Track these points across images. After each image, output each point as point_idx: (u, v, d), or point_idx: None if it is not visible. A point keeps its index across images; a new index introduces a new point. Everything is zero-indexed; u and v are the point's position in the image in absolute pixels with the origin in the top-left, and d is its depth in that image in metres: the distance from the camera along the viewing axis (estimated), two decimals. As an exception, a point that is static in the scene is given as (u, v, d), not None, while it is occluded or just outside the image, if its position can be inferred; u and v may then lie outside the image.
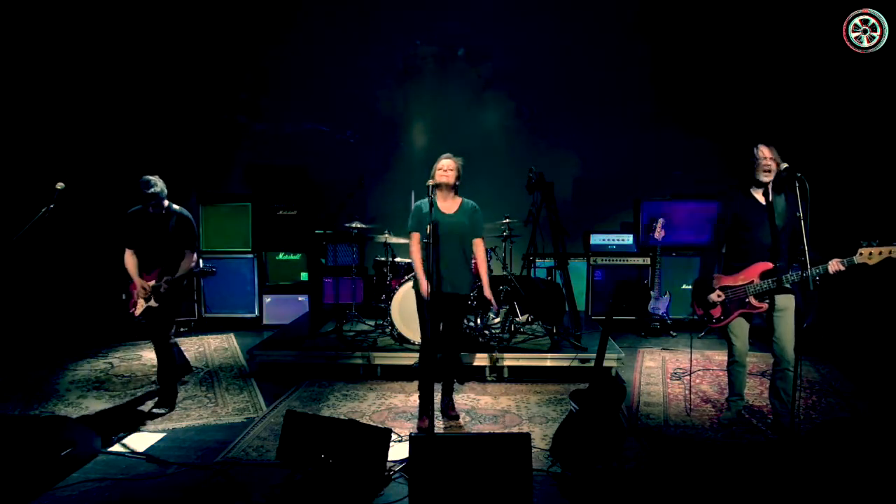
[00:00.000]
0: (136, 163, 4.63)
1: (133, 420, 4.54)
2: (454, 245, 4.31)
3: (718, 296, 4.14)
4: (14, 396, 5.04)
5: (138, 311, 4.66)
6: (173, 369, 4.82)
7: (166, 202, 4.67)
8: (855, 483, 3.26)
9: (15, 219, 4.59)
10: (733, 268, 4.17)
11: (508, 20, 7.78)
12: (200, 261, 6.79)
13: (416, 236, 4.40)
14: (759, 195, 4.10)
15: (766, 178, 3.99)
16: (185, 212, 4.75)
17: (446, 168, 4.31)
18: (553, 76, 7.85)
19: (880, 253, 3.66)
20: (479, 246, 4.53)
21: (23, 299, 6.65)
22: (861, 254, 3.70)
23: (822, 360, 5.94)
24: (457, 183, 4.37)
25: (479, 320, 6.04)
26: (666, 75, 7.66)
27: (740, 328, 4.23)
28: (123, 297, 4.81)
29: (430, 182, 4.21)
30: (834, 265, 3.76)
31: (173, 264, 4.66)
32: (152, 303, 4.62)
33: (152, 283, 4.62)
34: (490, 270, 6.06)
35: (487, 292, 4.57)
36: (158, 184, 4.54)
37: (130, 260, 4.69)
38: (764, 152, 4.00)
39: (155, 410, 4.65)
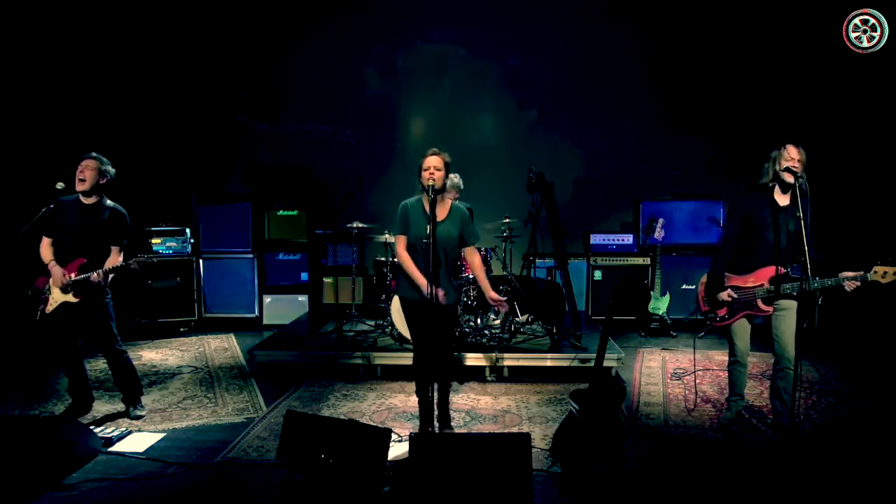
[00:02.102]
0: (136, 163, 4.58)
1: (132, 419, 4.54)
2: (438, 254, 3.89)
3: (729, 295, 4.13)
4: (14, 396, 5.04)
5: (50, 307, 4.33)
6: (131, 371, 4.61)
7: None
8: (855, 483, 3.26)
9: (15, 219, 4.59)
10: (740, 268, 4.14)
11: (508, 20, 7.77)
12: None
13: (402, 239, 4.06)
14: (779, 197, 4.05)
15: (790, 178, 3.87)
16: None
17: (433, 168, 3.90)
18: (553, 76, 7.85)
19: (895, 273, 3.64)
20: (473, 255, 4.22)
21: (23, 299, 6.64)
22: (876, 272, 3.68)
23: (822, 360, 5.94)
24: (445, 182, 4.00)
25: (479, 320, 6.04)
26: (667, 75, 7.65)
27: (742, 329, 4.22)
28: (30, 293, 4.39)
29: (426, 183, 3.89)
30: (850, 285, 3.75)
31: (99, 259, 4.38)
32: (71, 297, 4.29)
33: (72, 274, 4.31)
34: (490, 271, 6.09)
35: (491, 294, 4.11)
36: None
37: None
38: (792, 153, 3.90)
39: (137, 413, 4.58)
